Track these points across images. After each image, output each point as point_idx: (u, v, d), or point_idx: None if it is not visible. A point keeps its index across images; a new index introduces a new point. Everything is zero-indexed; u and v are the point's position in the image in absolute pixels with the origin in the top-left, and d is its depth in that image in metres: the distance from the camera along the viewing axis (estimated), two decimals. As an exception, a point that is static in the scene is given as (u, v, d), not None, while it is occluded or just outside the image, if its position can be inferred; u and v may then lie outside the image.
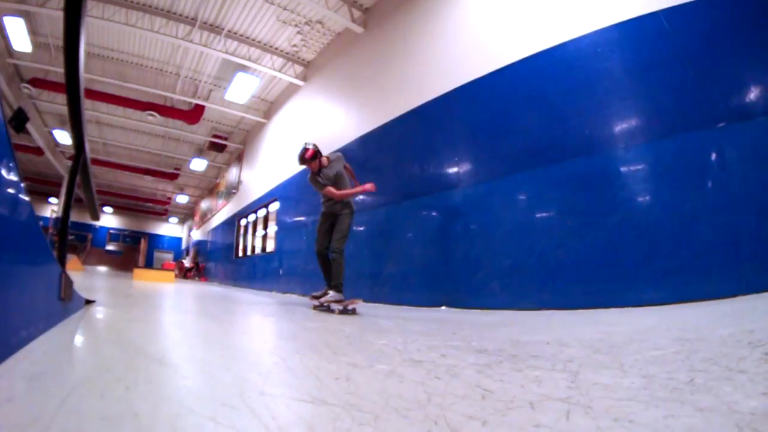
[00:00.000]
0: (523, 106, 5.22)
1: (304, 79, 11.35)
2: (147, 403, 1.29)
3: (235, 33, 10.41)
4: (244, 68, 11.41)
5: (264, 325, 3.97)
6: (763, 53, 3.81)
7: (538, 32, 5.19)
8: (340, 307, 4.97)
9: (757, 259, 3.48)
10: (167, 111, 13.98)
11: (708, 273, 3.66)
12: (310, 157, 5.34)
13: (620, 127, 4.41)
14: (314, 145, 5.43)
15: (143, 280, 12.61)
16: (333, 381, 1.68)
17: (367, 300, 6.70)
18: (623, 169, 4.34)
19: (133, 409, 1.21)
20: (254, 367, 2.00)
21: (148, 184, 24.63)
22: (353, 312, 4.96)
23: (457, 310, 5.17)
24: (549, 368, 1.86)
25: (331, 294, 5.10)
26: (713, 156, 3.83)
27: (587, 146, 4.56)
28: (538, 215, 4.87)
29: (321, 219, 5.63)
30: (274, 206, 12.58)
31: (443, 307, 5.41)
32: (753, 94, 3.80)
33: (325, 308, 5.21)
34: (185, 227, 32.94)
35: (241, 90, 12.29)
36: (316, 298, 5.40)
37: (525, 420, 1.24)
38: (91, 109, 14.00)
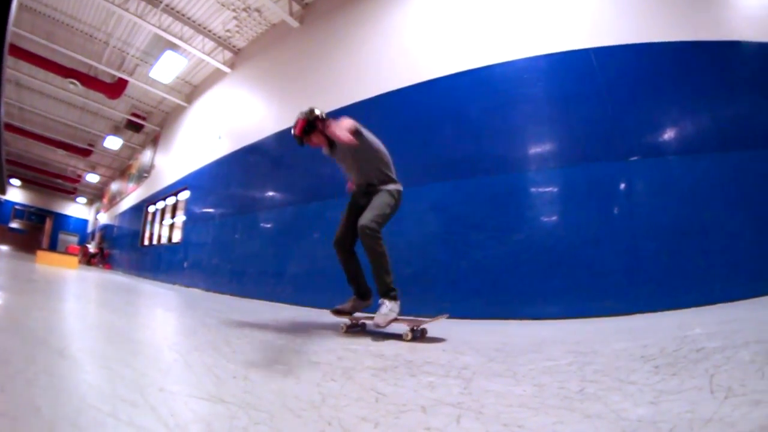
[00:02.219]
0: (442, 120, 5.31)
1: (232, 66, 10.98)
2: (48, 397, 1.29)
3: (173, 8, 9.84)
4: (173, 47, 10.84)
5: (165, 320, 3.96)
6: (679, 99, 4.21)
7: (466, 52, 5.34)
8: (407, 329, 3.11)
9: (655, 281, 3.75)
10: (90, 81, 12.96)
11: (607, 292, 3.85)
12: (301, 130, 3.68)
13: (534, 150, 4.61)
14: (309, 111, 3.72)
15: (47, 263, 11.95)
16: (231, 379, 1.72)
17: (271, 299, 6.50)
18: (532, 189, 4.50)
19: (35, 404, 1.21)
20: (154, 362, 2.02)
21: (59, 159, 22.78)
22: (423, 335, 3.23)
23: (360, 314, 5.00)
24: (443, 374, 1.92)
25: (387, 307, 3.31)
26: (622, 186, 4.10)
27: (500, 165, 4.70)
28: (444, 227, 4.91)
29: (349, 202, 3.93)
30: (184, 195, 12.06)
31: None
32: (667, 134, 4.15)
33: (360, 327, 3.77)
34: (93, 209, 30.88)
35: (168, 69, 11.65)
36: (343, 313, 3.70)
37: (416, 423, 1.29)
38: (12, 68, 12.83)
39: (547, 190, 4.44)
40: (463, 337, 3.18)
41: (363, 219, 3.40)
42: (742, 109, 4.22)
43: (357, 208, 3.71)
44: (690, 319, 3.02)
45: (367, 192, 3.72)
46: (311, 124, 3.68)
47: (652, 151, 4.12)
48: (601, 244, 4.02)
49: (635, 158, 4.11)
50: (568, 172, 4.34)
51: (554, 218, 4.34)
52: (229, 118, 10.40)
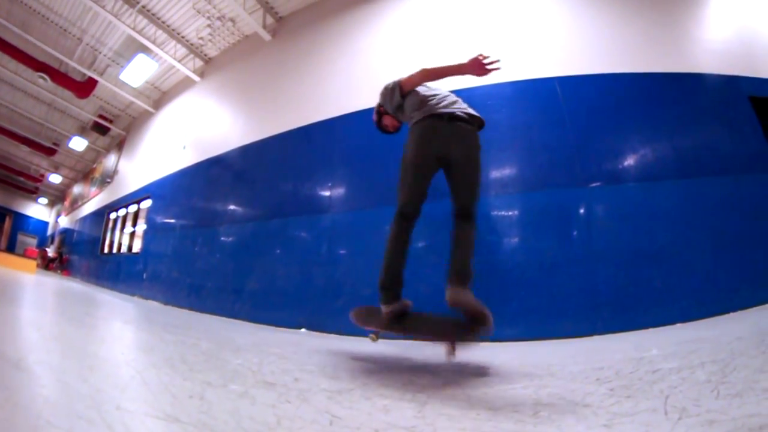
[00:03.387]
0: (403, 141, 5.29)
1: (202, 75, 10.87)
2: (4, 411, 1.29)
3: (149, 11, 9.72)
4: (145, 50, 10.69)
5: (123, 334, 3.89)
6: (641, 127, 4.37)
7: None
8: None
9: (613, 303, 3.80)
10: (59, 77, 12.53)
11: (566, 314, 3.89)
12: (377, 123, 3.73)
13: (496, 175, 4.63)
14: (377, 105, 3.67)
15: (4, 266, 11.75)
16: (187, 399, 1.71)
17: (229, 316, 6.35)
18: (493, 213, 4.52)
19: (-10, 418, 1.20)
20: (111, 379, 2.00)
21: (23, 156, 21.90)
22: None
23: (317, 333, 5.00)
24: (398, 398, 1.91)
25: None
26: (582, 211, 4.19)
27: None
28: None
29: None
30: (146, 204, 11.75)
31: (303, 330, 5.19)
32: (629, 161, 4.28)
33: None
34: (53, 211, 29.85)
35: (138, 72, 11.48)
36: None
37: None
38: (-18, 55, 12.44)
39: (508, 214, 4.47)
40: (420, 359, 3.18)
41: None
42: (701, 137, 4.40)
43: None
44: (647, 340, 3.07)
45: None
46: (378, 114, 3.66)
47: (614, 178, 4.23)
48: (560, 268, 4.06)
49: (596, 184, 4.21)
50: (528, 197, 4.41)
51: (514, 242, 4.38)
52: (194, 128, 10.28)
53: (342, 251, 5.48)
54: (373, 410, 1.70)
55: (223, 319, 6.22)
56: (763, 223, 4.06)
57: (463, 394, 1.95)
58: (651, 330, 3.51)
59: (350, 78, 6.46)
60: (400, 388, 2.11)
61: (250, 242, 6.89)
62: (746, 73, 4.72)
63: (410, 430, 1.44)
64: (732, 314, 3.54)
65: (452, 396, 1.93)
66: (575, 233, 4.10)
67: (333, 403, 1.79)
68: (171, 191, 10.22)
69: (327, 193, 5.94)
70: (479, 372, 2.56)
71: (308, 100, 6.93)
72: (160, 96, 13.26)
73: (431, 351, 3.62)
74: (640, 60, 4.66)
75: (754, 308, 3.56)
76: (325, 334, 4.89)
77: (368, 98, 5.83)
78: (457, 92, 5.00)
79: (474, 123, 3.15)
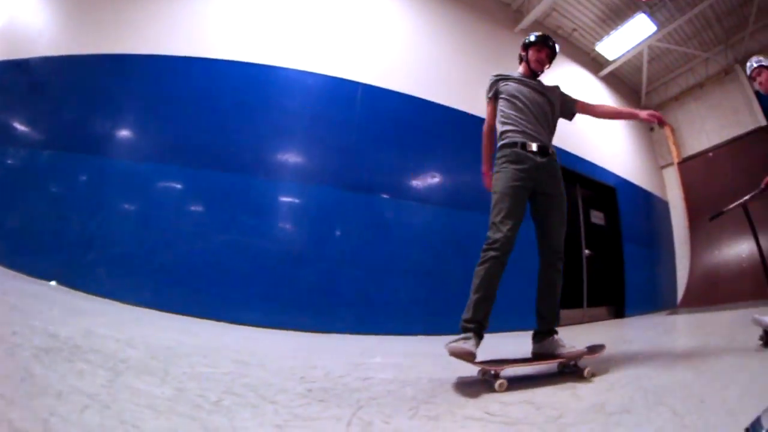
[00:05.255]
0: (206, 104, 5.00)
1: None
2: None
3: None
4: None
5: None
6: (424, 155, 4.89)
7: (253, 43, 5.16)
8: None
9: (355, 305, 4.05)
10: None
11: (313, 308, 4.07)
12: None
13: (295, 161, 4.69)
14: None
15: None
16: None
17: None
18: (260, 198, 4.57)
19: None
20: None
21: None
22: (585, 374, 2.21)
23: (66, 288, 4.47)
24: (98, 364, 1.83)
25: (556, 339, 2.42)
26: (347, 215, 4.47)
27: (249, 166, 4.64)
28: (163, 211, 4.69)
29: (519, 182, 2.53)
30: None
31: (53, 283, 4.59)
32: (412, 180, 4.83)
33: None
34: None
35: None
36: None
37: (46, 407, 1.25)
38: None
39: (285, 200, 4.60)
40: (146, 331, 3.01)
41: (558, 240, 2.59)
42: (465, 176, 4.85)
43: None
44: (382, 345, 3.21)
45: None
46: None
47: (395, 192, 4.57)
48: (310, 264, 4.17)
49: (386, 196, 4.54)
50: (308, 190, 4.54)
51: (274, 228, 4.49)
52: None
53: (104, 199, 4.95)
54: (68, 373, 1.62)
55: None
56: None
57: (162, 371, 1.90)
58: (394, 337, 3.71)
59: (200, 18, 5.64)
60: (109, 355, 2.02)
61: (17, 170, 5.78)
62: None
63: (90, 397, 1.38)
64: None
65: (151, 371, 1.89)
66: (338, 233, 4.26)
67: (35, 362, 1.68)
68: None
69: (108, 134, 5.28)
70: (193, 351, 2.48)
71: (144, 27, 5.80)
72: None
73: (162, 322, 3.55)
74: (449, 97, 5.00)
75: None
76: (73, 291, 4.42)
77: (215, 49, 5.34)
78: (271, 68, 4.86)
79: None
